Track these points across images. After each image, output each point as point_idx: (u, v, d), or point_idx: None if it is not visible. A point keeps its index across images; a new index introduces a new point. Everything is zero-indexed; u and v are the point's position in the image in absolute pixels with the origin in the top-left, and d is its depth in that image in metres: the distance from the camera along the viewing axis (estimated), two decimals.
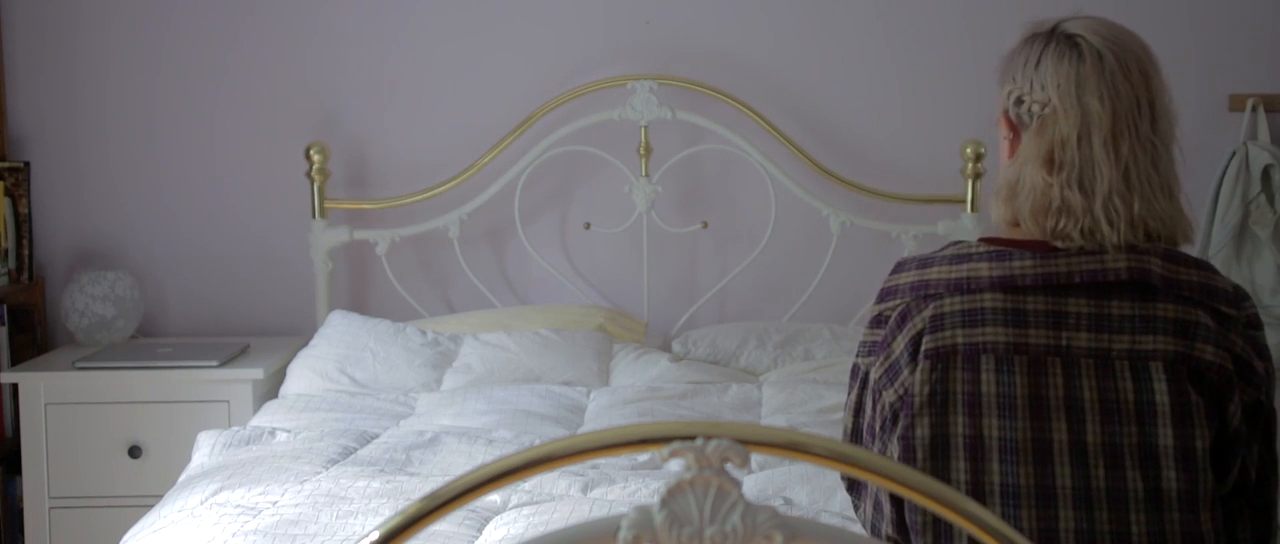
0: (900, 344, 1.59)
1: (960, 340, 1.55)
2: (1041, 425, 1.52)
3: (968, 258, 1.59)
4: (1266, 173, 3.54)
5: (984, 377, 1.54)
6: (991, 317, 1.55)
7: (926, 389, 1.55)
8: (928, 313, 1.57)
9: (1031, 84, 1.59)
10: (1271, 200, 3.55)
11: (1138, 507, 1.51)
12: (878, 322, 1.65)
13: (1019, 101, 1.61)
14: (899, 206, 3.62)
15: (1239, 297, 1.60)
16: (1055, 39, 1.60)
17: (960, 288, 1.56)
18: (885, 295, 1.64)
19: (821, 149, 3.65)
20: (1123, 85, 1.57)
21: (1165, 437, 1.51)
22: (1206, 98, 3.64)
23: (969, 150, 3.51)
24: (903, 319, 1.60)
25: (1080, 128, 1.55)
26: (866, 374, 1.65)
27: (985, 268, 1.56)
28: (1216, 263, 3.54)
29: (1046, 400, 1.53)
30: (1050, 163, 1.57)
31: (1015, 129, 1.64)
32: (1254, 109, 3.58)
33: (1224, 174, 3.56)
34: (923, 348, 1.56)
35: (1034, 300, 1.55)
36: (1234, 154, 3.56)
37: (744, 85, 3.63)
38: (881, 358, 1.61)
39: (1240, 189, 3.54)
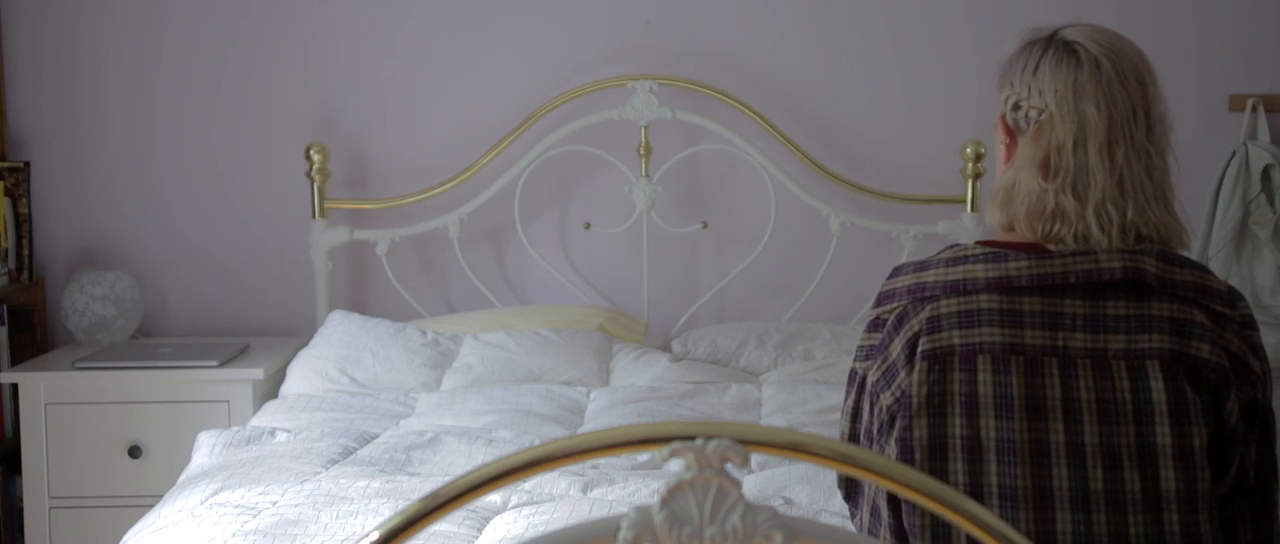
0: (897, 346, 1.59)
1: (957, 341, 1.55)
2: (1038, 426, 1.53)
3: (964, 260, 1.59)
4: (1266, 173, 3.53)
5: (981, 377, 1.54)
6: (988, 317, 1.55)
7: (924, 390, 1.55)
8: (924, 315, 1.57)
9: (1029, 89, 1.61)
10: (1271, 200, 3.55)
11: (1135, 507, 1.51)
12: (875, 325, 1.65)
13: (1016, 107, 1.62)
14: (899, 207, 3.62)
15: (1233, 297, 1.60)
16: (1054, 46, 1.61)
17: (956, 289, 1.57)
18: (882, 299, 1.64)
19: (821, 149, 3.65)
20: (1119, 93, 1.58)
21: (1162, 435, 1.51)
22: (1206, 98, 3.64)
23: (969, 150, 3.51)
24: (900, 322, 1.60)
25: (1076, 134, 1.57)
26: (863, 378, 1.65)
27: (981, 269, 1.57)
28: (1216, 263, 3.54)
29: (1043, 401, 1.53)
30: (1046, 168, 1.59)
31: (1012, 134, 1.65)
32: (1254, 109, 3.58)
33: (1224, 174, 3.56)
34: (919, 349, 1.56)
35: (1030, 301, 1.55)
36: (1234, 154, 3.56)
37: (744, 85, 3.63)
38: (879, 361, 1.61)
39: (1240, 189, 3.54)
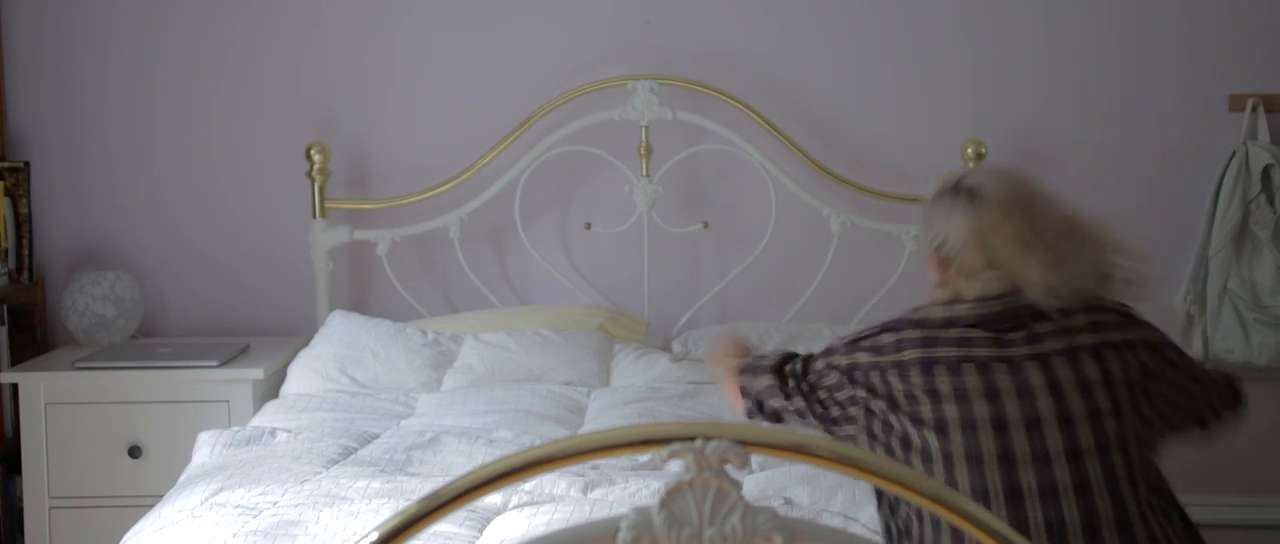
0: (864, 359, 1.94)
1: (918, 355, 1.89)
2: (996, 406, 1.84)
3: (920, 308, 1.96)
4: (1266, 173, 3.53)
5: (939, 380, 1.87)
6: (944, 341, 1.89)
7: (890, 391, 1.90)
8: (889, 340, 1.92)
9: (949, 234, 1.95)
10: (1271, 200, 3.55)
11: (1090, 456, 1.83)
12: (850, 352, 1.97)
13: (943, 245, 1.96)
14: (899, 206, 3.61)
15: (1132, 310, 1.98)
16: (962, 193, 1.96)
17: (917, 324, 1.93)
18: (854, 339, 1.97)
19: (822, 149, 3.65)
20: (1016, 220, 1.92)
21: (1104, 399, 1.86)
22: (1206, 98, 3.64)
23: (969, 150, 3.51)
24: (869, 349, 1.94)
25: (991, 255, 1.92)
26: (814, 382, 1.98)
27: (939, 310, 1.93)
28: (1216, 263, 3.55)
29: (997, 388, 1.85)
30: (976, 275, 1.93)
31: (942, 265, 1.97)
32: (1254, 109, 3.58)
33: (1224, 174, 3.56)
34: (885, 362, 1.90)
35: (977, 332, 1.89)
36: (1234, 154, 3.56)
37: (744, 85, 3.63)
38: (844, 372, 1.95)
39: (1240, 189, 3.53)
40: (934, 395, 1.86)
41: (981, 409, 1.84)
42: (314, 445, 2.66)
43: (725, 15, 3.67)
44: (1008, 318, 1.89)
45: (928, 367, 1.87)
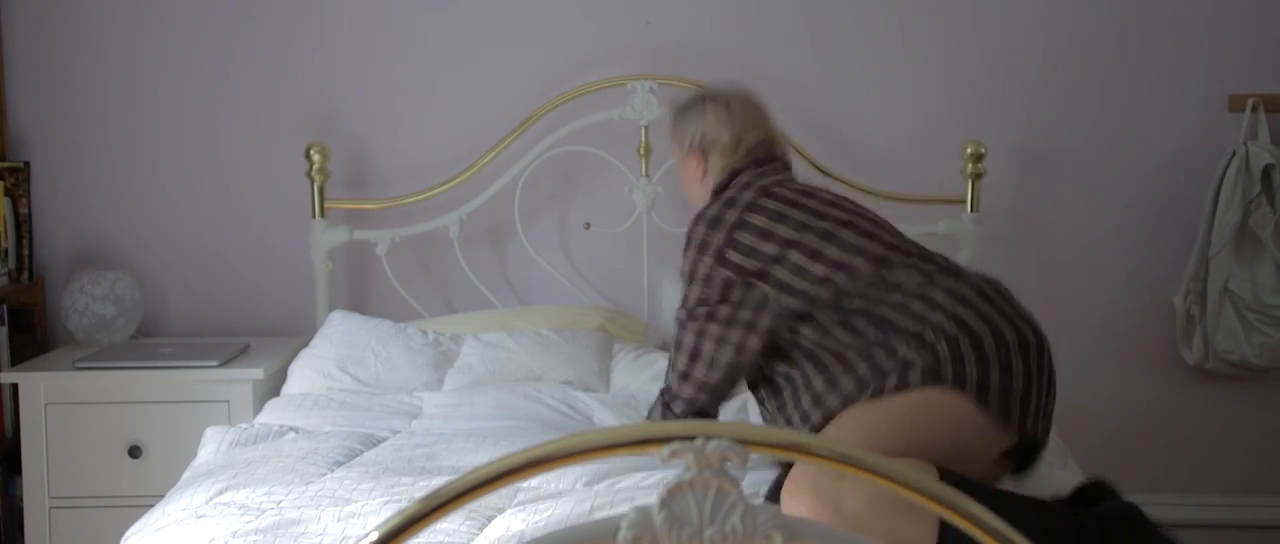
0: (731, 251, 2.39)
1: (750, 199, 2.46)
2: (815, 201, 2.45)
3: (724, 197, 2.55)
4: (1266, 173, 3.53)
5: (782, 209, 2.42)
6: (764, 186, 2.50)
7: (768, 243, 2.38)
8: (731, 217, 2.43)
9: (705, 126, 2.61)
10: (1271, 200, 3.55)
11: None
12: (735, 269, 2.38)
13: (703, 136, 2.60)
14: (899, 206, 3.61)
15: None
16: (707, 98, 2.66)
17: (729, 203, 2.48)
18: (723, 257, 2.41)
19: (821, 149, 3.65)
20: (750, 109, 2.65)
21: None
22: (1206, 98, 3.64)
23: (969, 150, 3.51)
24: (730, 243, 2.41)
25: (739, 134, 2.59)
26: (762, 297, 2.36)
27: (734, 187, 2.56)
28: (1216, 263, 3.55)
29: (809, 190, 2.49)
30: (736, 149, 2.58)
31: (703, 154, 2.61)
32: (1254, 109, 3.58)
33: (1224, 174, 3.56)
34: (737, 223, 2.41)
35: (765, 169, 2.56)
36: (1234, 154, 3.56)
37: (744, 85, 3.62)
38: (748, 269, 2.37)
39: (1240, 189, 3.53)
40: (782, 220, 2.39)
41: (815, 204, 2.42)
42: (320, 446, 2.66)
43: (725, 15, 3.67)
44: (777, 161, 2.58)
45: (756, 206, 2.41)
